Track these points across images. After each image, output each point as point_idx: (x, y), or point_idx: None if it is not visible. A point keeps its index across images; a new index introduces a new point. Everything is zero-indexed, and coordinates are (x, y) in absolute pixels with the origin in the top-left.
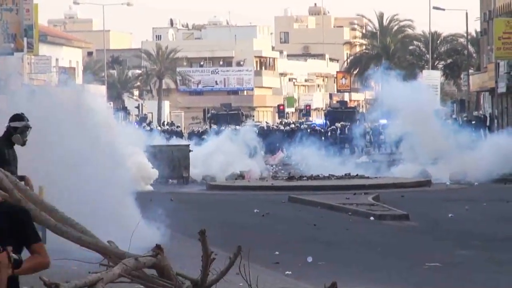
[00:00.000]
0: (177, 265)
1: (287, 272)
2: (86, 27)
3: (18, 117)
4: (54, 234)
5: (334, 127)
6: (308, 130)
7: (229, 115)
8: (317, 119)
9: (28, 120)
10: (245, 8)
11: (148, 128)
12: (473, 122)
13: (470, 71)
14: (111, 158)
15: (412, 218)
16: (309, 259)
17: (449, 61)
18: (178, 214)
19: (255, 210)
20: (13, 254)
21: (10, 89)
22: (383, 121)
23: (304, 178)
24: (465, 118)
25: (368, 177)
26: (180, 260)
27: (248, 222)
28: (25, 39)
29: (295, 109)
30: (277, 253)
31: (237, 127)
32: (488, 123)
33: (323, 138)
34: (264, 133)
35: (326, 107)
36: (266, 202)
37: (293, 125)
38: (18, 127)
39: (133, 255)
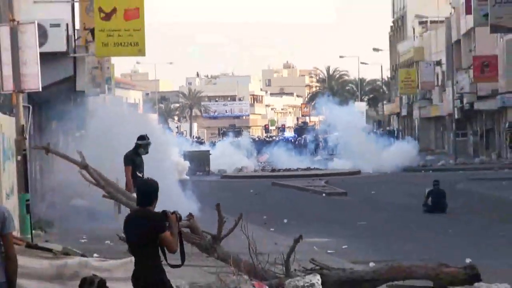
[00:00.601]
0: (203, 226)
1: (271, 229)
2: (144, 77)
3: (142, 137)
4: (125, 208)
5: (300, 138)
6: (284, 140)
7: (234, 131)
8: (287, 133)
9: (149, 139)
10: (243, 64)
11: (185, 139)
12: (386, 134)
13: (384, 102)
14: (164, 154)
15: (349, 194)
16: (285, 221)
17: (371, 96)
18: (203, 193)
19: (251, 191)
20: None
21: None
22: (331, 134)
23: (282, 170)
24: (381, 132)
25: (321, 169)
26: (204, 222)
27: (246, 198)
28: (106, 85)
29: (276, 127)
30: (265, 217)
31: (239, 138)
32: (395, 135)
33: (293, 145)
34: (256, 142)
35: (295, 126)
36: (258, 186)
37: (274, 137)
38: (142, 144)
39: None
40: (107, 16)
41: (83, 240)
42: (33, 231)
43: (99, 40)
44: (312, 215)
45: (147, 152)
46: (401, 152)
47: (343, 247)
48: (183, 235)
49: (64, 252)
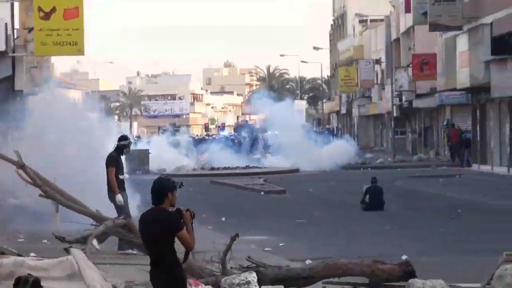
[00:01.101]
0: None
1: (209, 227)
2: (85, 76)
3: (124, 137)
4: (63, 208)
5: (239, 136)
6: (223, 139)
7: (173, 129)
8: (226, 132)
9: (130, 139)
10: (183, 63)
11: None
12: (326, 132)
13: (324, 100)
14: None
15: (287, 192)
16: (223, 219)
17: (311, 94)
18: (142, 192)
19: (190, 189)
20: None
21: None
22: (272, 132)
23: (221, 168)
24: (321, 129)
25: (259, 167)
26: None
27: (185, 196)
28: (45, 85)
29: (216, 126)
30: (203, 215)
31: (177, 137)
32: (334, 132)
33: (232, 144)
34: (196, 141)
35: (235, 124)
36: (197, 184)
37: (213, 136)
38: (126, 144)
39: (112, 218)
40: (46, 16)
41: (20, 240)
42: None
43: (38, 39)
44: (250, 213)
45: (128, 152)
46: (340, 150)
47: (281, 244)
48: (119, 233)
49: None
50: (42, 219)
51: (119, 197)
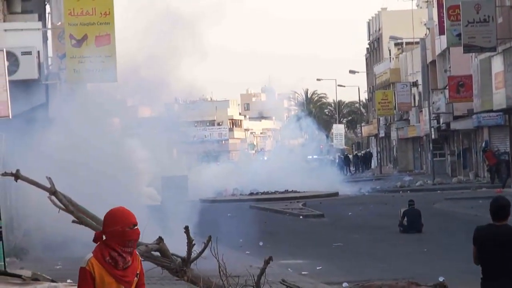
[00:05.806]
0: (173, 248)
1: (247, 252)
2: (123, 103)
3: None
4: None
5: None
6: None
7: (212, 156)
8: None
9: None
10: (221, 89)
11: None
12: (365, 155)
13: (362, 124)
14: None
15: (326, 216)
16: (261, 243)
17: (349, 118)
18: (180, 217)
19: (228, 214)
20: None
21: None
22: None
23: (260, 193)
24: (362, 152)
25: (298, 191)
26: (174, 245)
27: (223, 221)
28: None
29: (255, 151)
30: (241, 240)
31: (217, 163)
32: (373, 156)
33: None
34: (236, 166)
35: (274, 149)
36: (235, 209)
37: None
38: None
39: (144, 243)
40: (78, 43)
41: (58, 267)
42: (8, 259)
43: (71, 66)
44: (288, 238)
45: None
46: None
47: (318, 268)
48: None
49: (33, 278)
50: (80, 245)
51: None
